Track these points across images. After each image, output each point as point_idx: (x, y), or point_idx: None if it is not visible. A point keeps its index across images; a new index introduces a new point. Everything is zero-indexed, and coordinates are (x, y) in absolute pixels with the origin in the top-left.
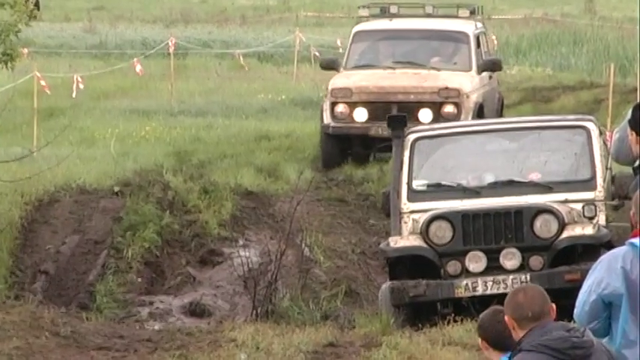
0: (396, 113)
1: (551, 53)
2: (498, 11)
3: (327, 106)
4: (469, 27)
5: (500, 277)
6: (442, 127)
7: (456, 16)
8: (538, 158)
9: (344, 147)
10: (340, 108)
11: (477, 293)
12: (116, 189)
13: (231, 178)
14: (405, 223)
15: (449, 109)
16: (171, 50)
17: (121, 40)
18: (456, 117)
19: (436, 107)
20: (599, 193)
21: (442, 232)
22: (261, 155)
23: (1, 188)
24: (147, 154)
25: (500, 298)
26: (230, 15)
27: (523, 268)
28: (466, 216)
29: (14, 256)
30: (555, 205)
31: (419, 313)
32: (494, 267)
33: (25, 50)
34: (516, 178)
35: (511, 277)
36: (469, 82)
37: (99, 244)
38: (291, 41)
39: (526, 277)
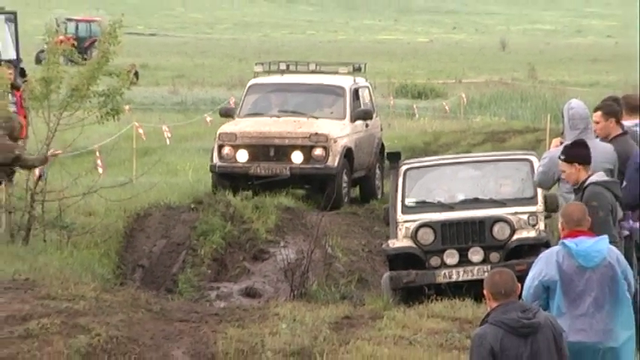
0: (273, 154)
1: (505, 107)
2: (467, 76)
3: (215, 148)
4: (347, 82)
5: (469, 268)
6: (426, 160)
7: (337, 73)
8: (495, 182)
9: (229, 183)
10: (226, 150)
11: (452, 280)
12: (192, 206)
13: (275, 199)
14: (400, 230)
15: (318, 151)
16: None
17: (196, 99)
18: (324, 159)
19: (307, 150)
20: (539, 207)
21: (427, 236)
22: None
23: (110, 206)
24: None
25: (469, 283)
26: None
27: (485, 261)
28: (444, 224)
29: (119, 255)
30: (508, 216)
31: (410, 294)
32: (464, 261)
33: (127, 107)
34: (480, 197)
35: (476, 268)
36: (339, 129)
37: (180, 245)
38: None
39: (487, 268)
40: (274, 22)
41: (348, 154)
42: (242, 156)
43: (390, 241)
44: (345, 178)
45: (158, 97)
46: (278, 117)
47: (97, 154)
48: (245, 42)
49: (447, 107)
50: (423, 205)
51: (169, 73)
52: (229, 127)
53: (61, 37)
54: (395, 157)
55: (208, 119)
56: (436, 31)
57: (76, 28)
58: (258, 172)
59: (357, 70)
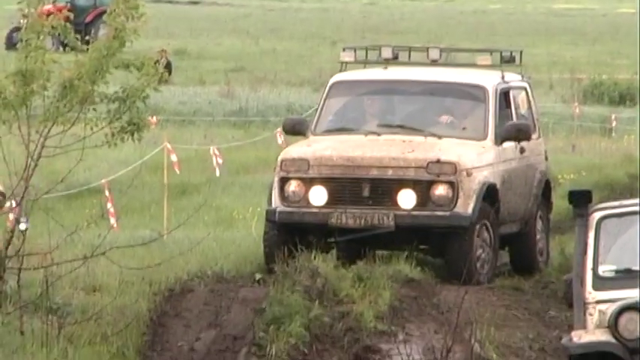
0: (368, 194)
1: None
2: None
3: (275, 183)
4: (490, 79)
5: None
6: (633, 204)
7: (475, 65)
8: None
9: (295, 239)
10: (292, 186)
11: None
12: (258, 276)
13: (390, 266)
14: (591, 314)
15: (440, 190)
16: None
17: (263, 105)
18: (450, 202)
19: (422, 188)
20: None
21: (634, 326)
22: None
23: (127, 276)
24: None
25: None
26: None
27: None
28: None
29: (142, 354)
30: None
31: None
32: None
33: (154, 119)
34: None
35: None
36: (475, 155)
37: (238, 339)
38: None
39: None
40: None
41: (490, 195)
42: (318, 196)
43: (574, 333)
44: (485, 233)
45: (203, 103)
46: (377, 135)
47: (107, 193)
48: (341, 14)
49: None
50: (627, 276)
51: (221, 65)
52: (298, 149)
53: (49, 7)
54: (582, 199)
55: (280, 140)
56: None
57: None
58: (343, 222)
59: (507, 61)
